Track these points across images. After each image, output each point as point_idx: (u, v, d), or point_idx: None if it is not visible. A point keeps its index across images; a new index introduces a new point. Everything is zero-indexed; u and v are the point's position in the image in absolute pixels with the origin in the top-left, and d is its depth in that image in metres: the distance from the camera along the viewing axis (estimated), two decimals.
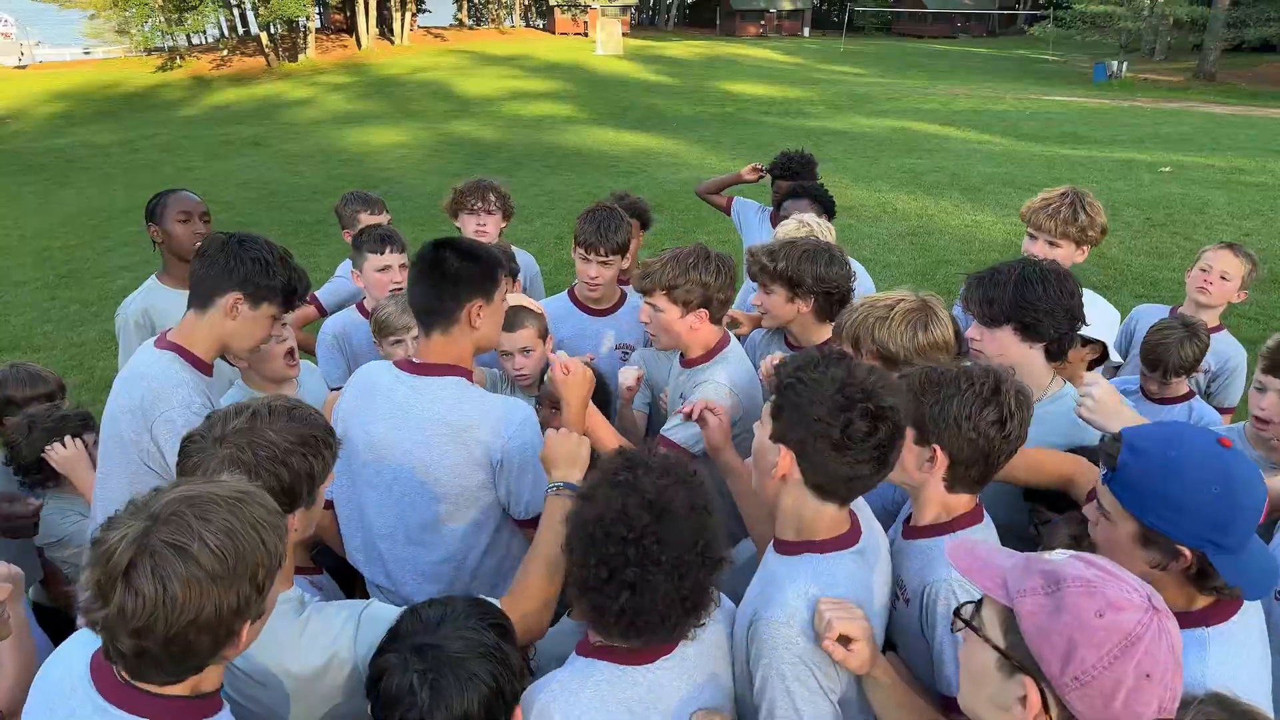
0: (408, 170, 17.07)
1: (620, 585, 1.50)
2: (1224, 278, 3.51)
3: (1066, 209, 3.02)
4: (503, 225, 3.91)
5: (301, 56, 42.05)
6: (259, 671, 1.65)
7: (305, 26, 42.92)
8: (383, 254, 3.41)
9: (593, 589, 1.53)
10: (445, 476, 2.18)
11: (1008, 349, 2.26)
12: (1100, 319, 2.54)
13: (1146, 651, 1.18)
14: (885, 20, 66.63)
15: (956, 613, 1.36)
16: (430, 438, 2.16)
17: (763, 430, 1.77)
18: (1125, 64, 37.18)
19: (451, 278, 2.16)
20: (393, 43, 46.05)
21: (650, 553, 1.49)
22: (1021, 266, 2.31)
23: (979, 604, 1.33)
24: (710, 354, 2.66)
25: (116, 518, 1.33)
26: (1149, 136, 19.62)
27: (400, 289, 3.31)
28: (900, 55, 46.77)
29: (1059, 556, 1.28)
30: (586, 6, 51.21)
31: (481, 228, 3.80)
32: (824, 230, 3.19)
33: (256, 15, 40.16)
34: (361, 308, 3.52)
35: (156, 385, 2.37)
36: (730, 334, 2.77)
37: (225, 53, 42.70)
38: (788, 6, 61.61)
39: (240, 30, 45.77)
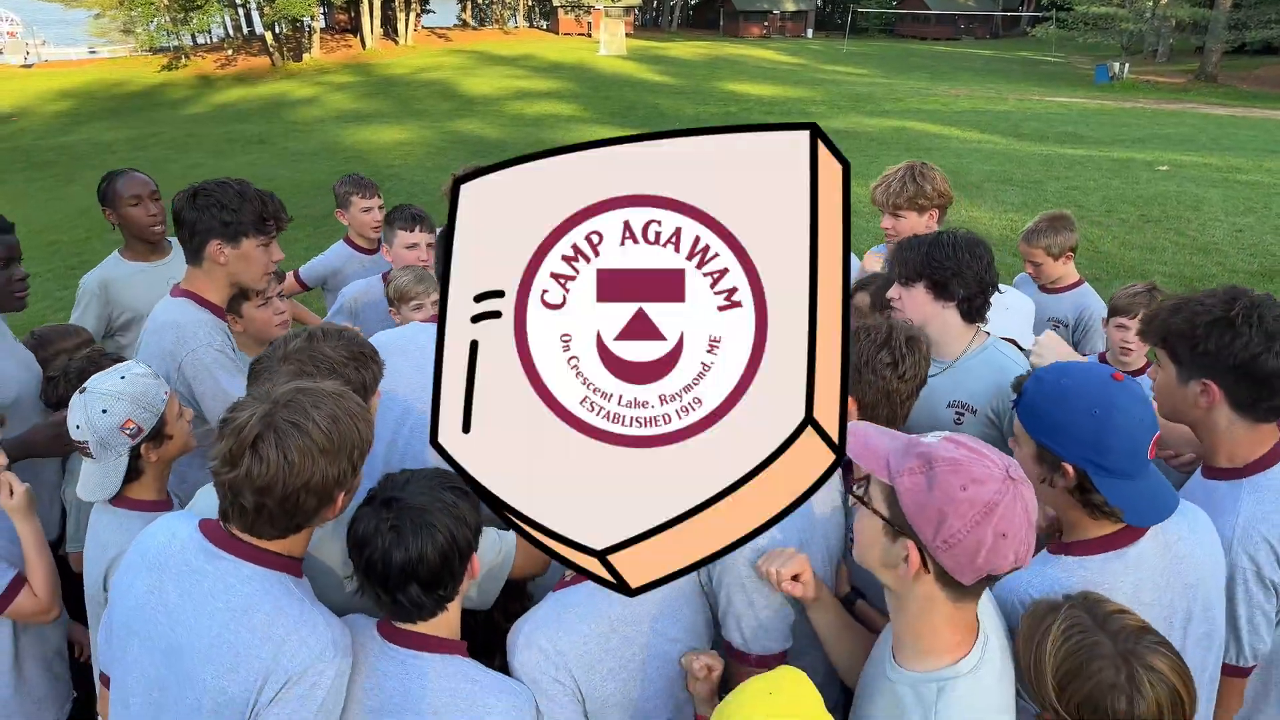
0: (412, 167, 17.21)
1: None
2: (1036, 262, 3.71)
3: (896, 182, 3.18)
4: None
5: (306, 56, 42.24)
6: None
7: (310, 26, 43.10)
8: (412, 232, 3.61)
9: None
10: None
11: (922, 306, 2.45)
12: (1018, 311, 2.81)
13: (1002, 516, 1.39)
14: (888, 21, 66.76)
15: (851, 490, 1.56)
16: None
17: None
18: (1127, 65, 37.26)
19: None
20: (397, 43, 46.24)
21: None
22: (938, 233, 2.53)
23: (868, 480, 1.53)
24: None
25: (241, 402, 1.62)
26: (1149, 137, 19.73)
27: (427, 264, 3.49)
28: (903, 56, 46.87)
29: (933, 439, 1.47)
30: (590, 7, 51.42)
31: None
32: None
33: (261, 15, 40.33)
34: (386, 278, 3.68)
35: (181, 328, 2.54)
36: None
37: (230, 52, 42.92)
38: (791, 8, 61.74)
39: (245, 30, 45.97)
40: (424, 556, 1.61)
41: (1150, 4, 37.04)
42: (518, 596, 2.04)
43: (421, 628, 1.68)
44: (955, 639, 1.51)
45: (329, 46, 44.93)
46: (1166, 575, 1.79)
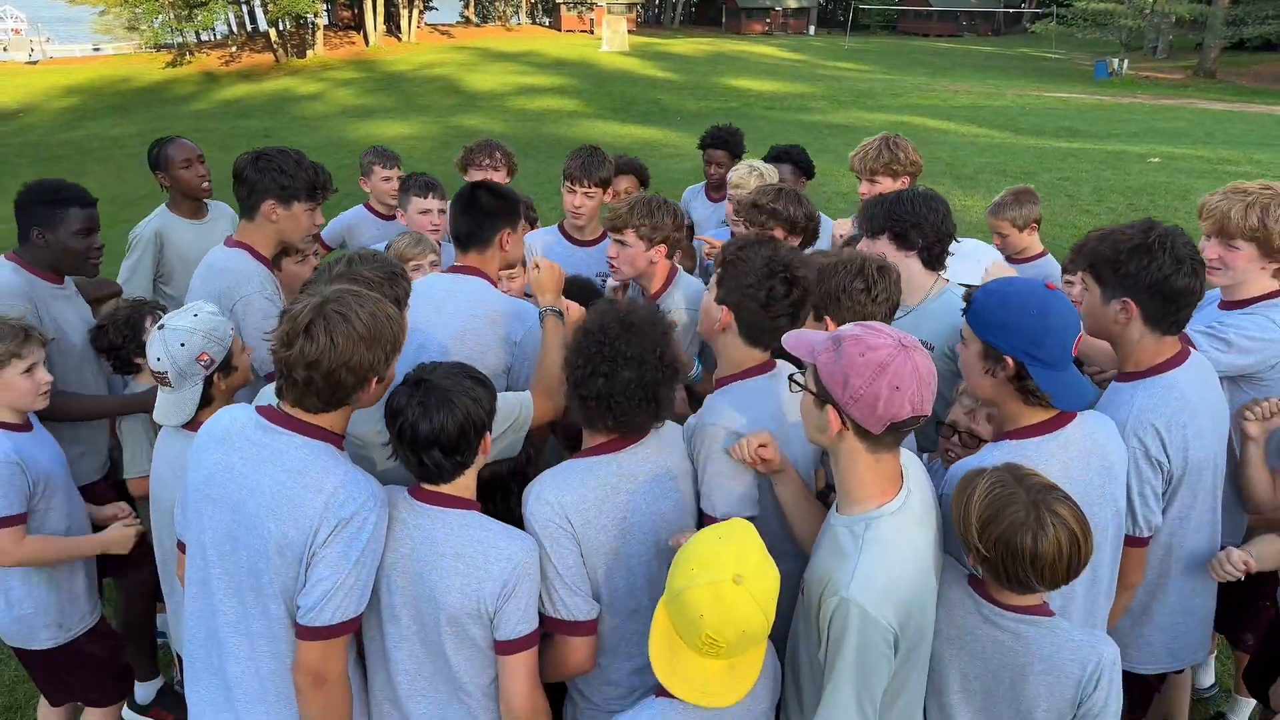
0: (417, 161, 17.43)
1: (596, 375, 1.99)
2: (1003, 233, 3.97)
3: (873, 150, 3.52)
4: (507, 180, 4.29)
5: (310, 53, 42.48)
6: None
7: (313, 23, 43.33)
8: (425, 199, 3.94)
9: (578, 381, 2.02)
10: (474, 355, 2.53)
11: (887, 257, 2.71)
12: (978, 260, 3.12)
13: (895, 373, 1.73)
14: (890, 18, 66.86)
15: (791, 378, 1.92)
16: (466, 323, 2.59)
17: (709, 295, 2.28)
18: (1126, 62, 37.43)
19: (489, 211, 2.66)
20: (400, 39, 46.46)
21: (619, 350, 1.98)
22: (898, 191, 2.84)
23: (804, 370, 1.88)
24: (666, 283, 3.17)
25: (297, 298, 1.97)
26: (1144, 131, 19.95)
27: (436, 231, 3.80)
28: (904, 53, 47.04)
29: (848, 327, 1.80)
30: (593, 4, 51.61)
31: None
32: (770, 174, 3.66)
33: (265, 12, 40.53)
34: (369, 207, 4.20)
35: (237, 274, 2.87)
36: (679, 267, 3.27)
37: (234, 49, 43.13)
38: (793, 4, 61.90)
39: (249, 27, 46.20)
40: (445, 428, 1.93)
41: (1149, 0, 37.18)
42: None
43: (443, 489, 2.01)
44: (880, 488, 1.84)
45: (332, 43, 45.16)
46: (1089, 457, 2.11)
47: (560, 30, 52.87)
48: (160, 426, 2.52)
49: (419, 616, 1.97)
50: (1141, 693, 2.62)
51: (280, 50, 41.40)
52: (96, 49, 47.18)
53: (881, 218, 2.74)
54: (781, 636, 2.05)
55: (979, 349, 2.07)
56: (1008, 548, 1.77)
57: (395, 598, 1.98)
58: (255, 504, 1.89)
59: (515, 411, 2.32)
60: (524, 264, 3.28)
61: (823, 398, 1.81)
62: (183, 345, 2.35)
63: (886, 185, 3.47)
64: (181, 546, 2.18)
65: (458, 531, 1.96)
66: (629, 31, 45.51)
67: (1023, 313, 1.99)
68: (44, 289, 3.06)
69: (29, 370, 2.71)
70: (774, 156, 4.41)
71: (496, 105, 27.56)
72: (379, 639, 2.03)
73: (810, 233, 3.23)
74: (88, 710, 3.04)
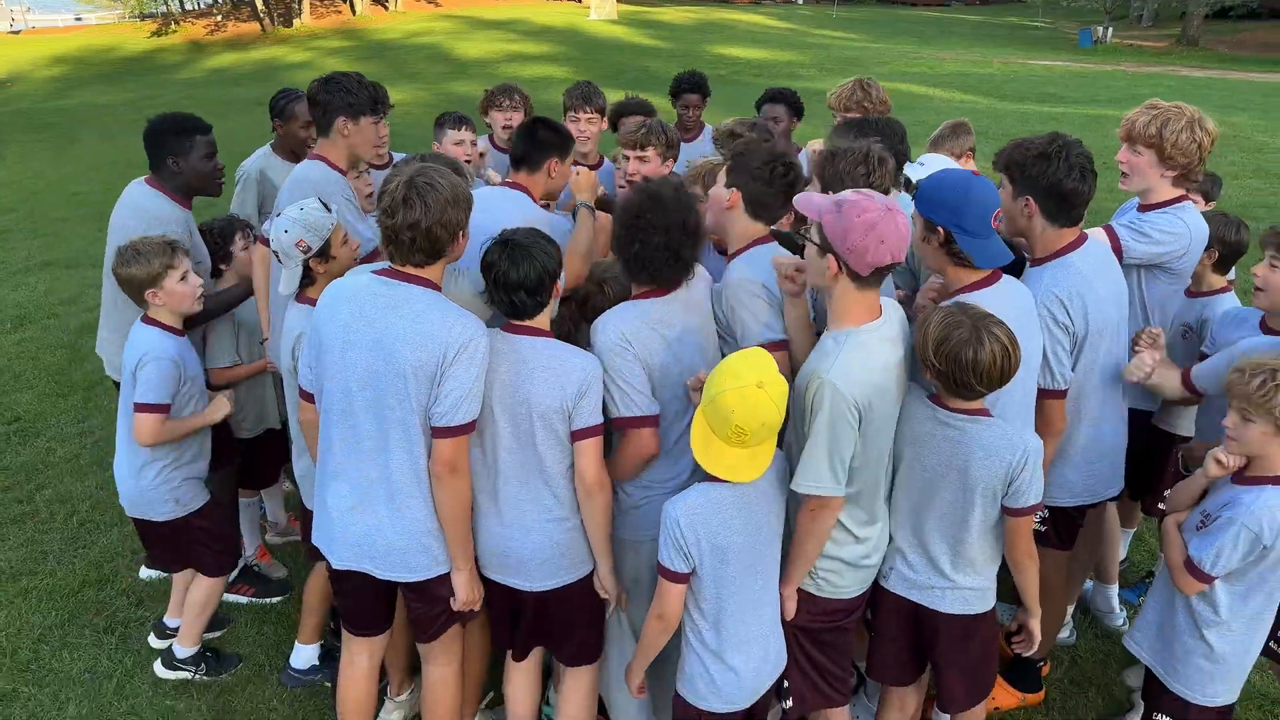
0: (410, 126, 17.63)
1: (633, 241, 2.51)
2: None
3: (846, 90, 4.09)
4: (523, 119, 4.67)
5: (296, 22, 42.11)
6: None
7: None
8: (459, 130, 4.35)
9: (621, 246, 2.56)
10: None
11: None
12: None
13: (882, 230, 2.23)
14: None
15: (800, 231, 2.38)
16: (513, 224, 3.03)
17: (719, 184, 2.78)
18: (1110, 30, 37.68)
19: (543, 141, 3.12)
20: (387, 8, 46.09)
21: (649, 220, 2.49)
22: (864, 118, 3.47)
23: (809, 225, 2.34)
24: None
25: (389, 177, 2.43)
26: (1124, 97, 20.30)
27: (470, 161, 4.23)
28: (892, 21, 47.10)
29: (848, 193, 2.27)
30: None
31: (509, 122, 4.56)
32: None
33: None
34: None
35: (316, 183, 3.31)
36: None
37: (219, 18, 42.76)
38: None
39: None
40: (528, 275, 2.44)
41: None
42: None
43: (527, 323, 2.53)
44: (862, 315, 2.33)
45: (319, 12, 44.78)
46: (1017, 309, 2.58)
47: None
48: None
49: (514, 419, 2.53)
50: (1067, 525, 3.09)
51: (266, 19, 41.09)
52: (79, 19, 46.72)
53: (855, 133, 3.18)
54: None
55: (924, 222, 2.54)
56: (955, 359, 2.26)
57: (495, 407, 2.53)
58: (392, 339, 2.41)
59: (587, 239, 3.04)
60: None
61: (825, 248, 2.30)
62: (286, 232, 2.85)
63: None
64: (308, 396, 2.67)
65: (543, 351, 2.53)
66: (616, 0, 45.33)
67: (950, 189, 2.49)
68: (181, 218, 3.57)
69: (184, 277, 3.21)
70: (769, 97, 4.83)
71: (487, 72, 27.63)
72: (478, 441, 2.57)
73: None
74: (198, 578, 3.48)
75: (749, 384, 2.17)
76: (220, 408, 3.37)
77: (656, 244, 2.53)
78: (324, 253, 2.89)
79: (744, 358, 2.28)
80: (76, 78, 32.12)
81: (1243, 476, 2.50)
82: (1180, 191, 3.10)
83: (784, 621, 2.54)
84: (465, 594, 2.62)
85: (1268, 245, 2.96)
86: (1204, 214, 3.27)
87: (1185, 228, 3.04)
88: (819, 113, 4.82)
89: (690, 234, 2.58)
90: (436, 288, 2.52)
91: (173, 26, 41.47)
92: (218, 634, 3.78)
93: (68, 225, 11.10)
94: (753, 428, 2.18)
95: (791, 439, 2.50)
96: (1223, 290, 3.42)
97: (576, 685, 2.82)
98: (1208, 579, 2.48)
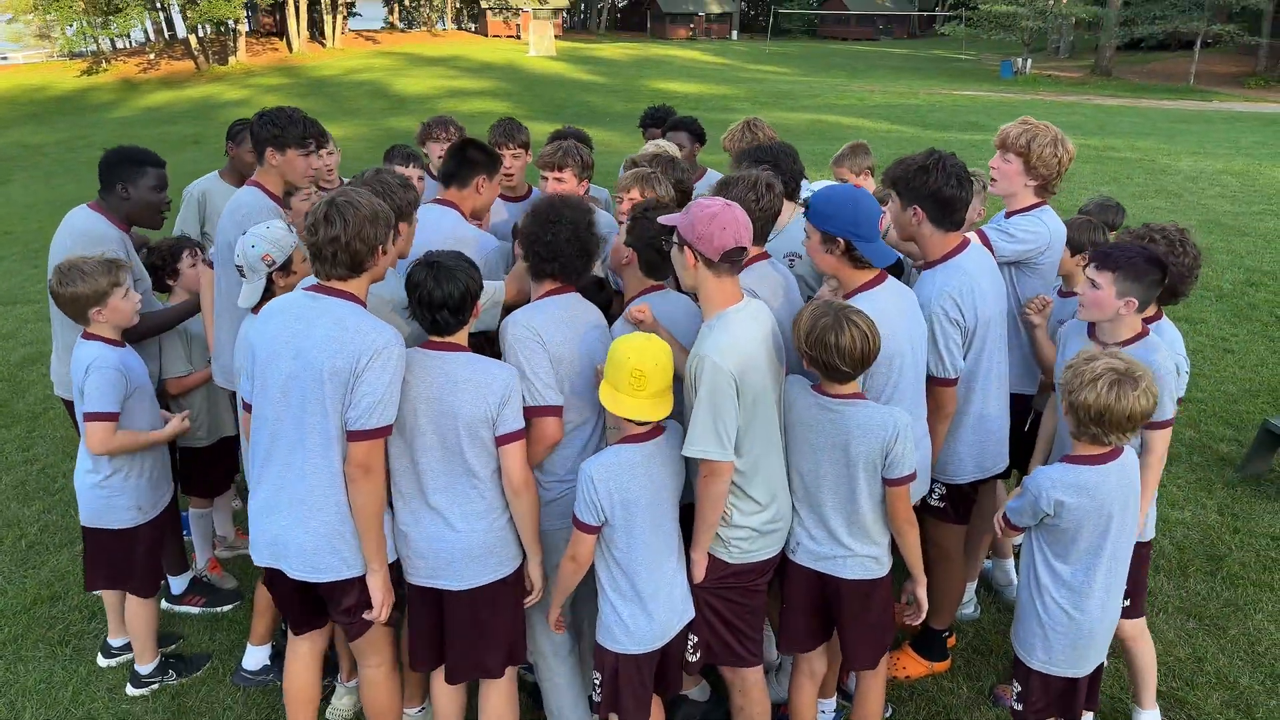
0: (351, 163, 17.81)
1: (545, 234, 2.82)
2: (843, 179, 4.53)
3: (738, 132, 4.35)
4: None
5: (231, 59, 41.98)
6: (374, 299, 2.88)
7: (235, 29, 42.85)
8: (407, 167, 4.51)
9: (532, 240, 2.85)
10: None
11: None
12: None
13: (721, 218, 2.54)
14: (810, 23, 68.72)
15: (668, 238, 2.69)
16: (443, 242, 3.21)
17: (619, 238, 3.06)
18: (1030, 61, 39.45)
19: (472, 160, 3.39)
20: (324, 45, 46.24)
21: (560, 214, 2.83)
22: (760, 145, 3.69)
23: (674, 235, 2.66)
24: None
25: (333, 192, 2.62)
26: None
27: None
28: (823, 56, 48.63)
29: (693, 200, 2.57)
30: (518, 10, 52.06)
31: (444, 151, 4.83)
32: (670, 148, 4.39)
33: (184, 18, 39.99)
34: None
35: (251, 207, 3.49)
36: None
37: (152, 56, 42.42)
38: (716, 10, 63.22)
39: (167, 34, 45.46)
40: (451, 294, 2.61)
41: (1051, 2, 39.18)
42: None
43: (449, 339, 2.71)
44: (726, 300, 2.64)
45: (255, 50, 44.73)
46: (902, 309, 2.90)
47: (486, 35, 53.21)
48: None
49: (440, 430, 2.68)
50: (962, 501, 3.40)
51: (201, 57, 40.91)
52: (4, 58, 45.90)
53: (749, 162, 3.47)
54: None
55: (818, 237, 2.85)
56: (822, 344, 2.56)
57: (421, 420, 2.67)
58: (310, 346, 2.56)
59: (494, 293, 3.11)
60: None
61: (680, 244, 2.63)
62: (253, 247, 3.05)
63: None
64: (248, 407, 2.82)
65: (466, 365, 2.69)
66: (555, 37, 46.08)
67: (843, 205, 2.78)
68: (119, 235, 3.71)
69: (126, 294, 3.35)
70: (672, 125, 5.18)
71: (427, 108, 27.88)
72: (407, 452, 2.71)
73: (683, 194, 3.92)
74: (131, 601, 3.55)
75: (640, 337, 2.60)
76: (175, 426, 3.51)
77: (566, 236, 2.79)
78: (286, 266, 3.12)
79: (632, 335, 2.66)
80: (6, 117, 31.57)
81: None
82: (1038, 199, 3.49)
83: (694, 583, 2.81)
84: (379, 595, 2.71)
85: (1090, 261, 3.18)
86: (1071, 220, 3.67)
87: (1045, 228, 3.42)
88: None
89: (592, 234, 2.86)
90: (360, 301, 2.65)
91: (104, 65, 40.99)
92: (172, 646, 3.89)
93: (3, 264, 11.08)
94: (648, 367, 2.52)
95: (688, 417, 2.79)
96: None
97: (495, 689, 2.97)
98: (1013, 529, 2.85)
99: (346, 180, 4.44)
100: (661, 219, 2.74)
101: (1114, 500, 2.66)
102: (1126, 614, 3.12)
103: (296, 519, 2.63)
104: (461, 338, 2.74)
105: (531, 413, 2.79)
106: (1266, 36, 35.00)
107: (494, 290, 3.10)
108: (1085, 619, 2.73)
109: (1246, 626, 3.94)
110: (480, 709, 3.01)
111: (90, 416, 3.24)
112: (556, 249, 2.81)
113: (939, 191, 3.02)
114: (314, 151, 3.67)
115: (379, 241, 2.62)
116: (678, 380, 2.71)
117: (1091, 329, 3.10)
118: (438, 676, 2.98)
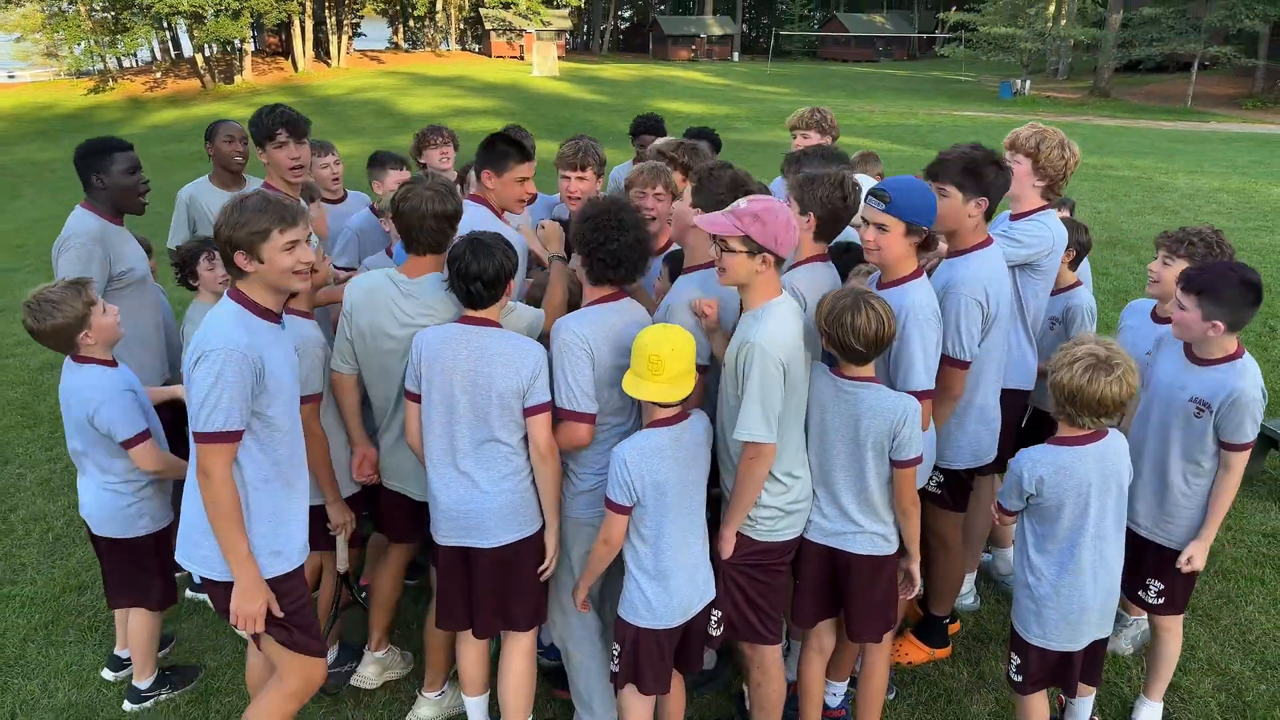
0: (357, 180, 18.03)
1: (609, 240, 2.91)
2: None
3: (807, 114, 4.65)
4: (454, 155, 5.20)
5: (237, 78, 42.35)
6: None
7: (240, 49, 43.26)
8: (400, 170, 4.80)
9: (595, 246, 2.92)
10: None
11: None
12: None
13: (790, 223, 2.70)
14: (811, 45, 69.30)
15: (723, 244, 2.73)
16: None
17: (684, 201, 3.17)
18: (1029, 82, 39.82)
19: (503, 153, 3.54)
20: (329, 65, 46.65)
21: (621, 220, 2.93)
22: (819, 146, 3.86)
23: (724, 240, 2.74)
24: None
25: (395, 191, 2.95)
26: None
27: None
28: (823, 77, 49.07)
29: (752, 206, 2.67)
30: (522, 30, 52.54)
31: (444, 157, 5.09)
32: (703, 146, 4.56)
33: (191, 37, 40.37)
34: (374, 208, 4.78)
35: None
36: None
37: (159, 75, 42.80)
38: (717, 32, 63.79)
39: (173, 53, 45.87)
40: (485, 269, 2.81)
41: (1050, 25, 39.60)
42: None
43: (481, 313, 2.90)
44: (773, 293, 2.76)
45: (260, 69, 45.14)
46: (934, 295, 3.07)
47: (490, 56, 53.66)
48: None
49: (474, 400, 2.87)
50: (959, 487, 3.53)
51: (207, 76, 41.28)
52: (12, 76, 46.26)
53: (816, 163, 3.60)
54: None
55: (903, 228, 2.94)
56: (839, 322, 2.71)
57: (456, 391, 2.87)
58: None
59: (531, 319, 3.21)
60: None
61: (755, 251, 2.67)
62: None
63: (814, 138, 4.57)
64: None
65: (500, 339, 2.90)
66: (558, 57, 46.52)
67: (923, 197, 2.94)
68: (112, 231, 3.80)
69: (104, 310, 3.26)
70: (693, 135, 5.33)
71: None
72: (441, 421, 2.91)
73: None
74: (137, 613, 3.50)
75: (660, 328, 2.75)
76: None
77: (630, 241, 2.89)
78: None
79: (661, 327, 2.79)
80: (12, 135, 31.86)
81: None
82: (1044, 202, 3.64)
83: (722, 559, 2.94)
84: (236, 603, 2.60)
85: (1161, 245, 3.53)
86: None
87: (1049, 231, 3.57)
88: (754, 163, 5.36)
89: (647, 237, 2.98)
90: (245, 303, 2.61)
91: (110, 84, 41.34)
92: (165, 650, 3.89)
93: (17, 275, 11.25)
94: (664, 353, 2.65)
95: (721, 406, 2.92)
96: (1076, 285, 4.00)
97: (518, 647, 3.13)
98: (1006, 513, 2.97)
99: (353, 191, 4.62)
100: (708, 226, 2.74)
101: (1092, 481, 2.77)
102: (1165, 609, 3.28)
103: (185, 511, 2.71)
104: (494, 314, 2.92)
105: (565, 415, 2.93)
106: (1263, 59, 35.33)
107: (534, 318, 3.21)
108: (1076, 595, 2.84)
109: (1238, 617, 4.07)
110: (501, 671, 3.16)
111: (130, 443, 3.19)
112: (621, 256, 2.92)
113: (1005, 186, 3.22)
114: (287, 143, 3.90)
115: (454, 221, 3.06)
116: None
117: (1188, 346, 3.17)
118: (464, 639, 3.14)
